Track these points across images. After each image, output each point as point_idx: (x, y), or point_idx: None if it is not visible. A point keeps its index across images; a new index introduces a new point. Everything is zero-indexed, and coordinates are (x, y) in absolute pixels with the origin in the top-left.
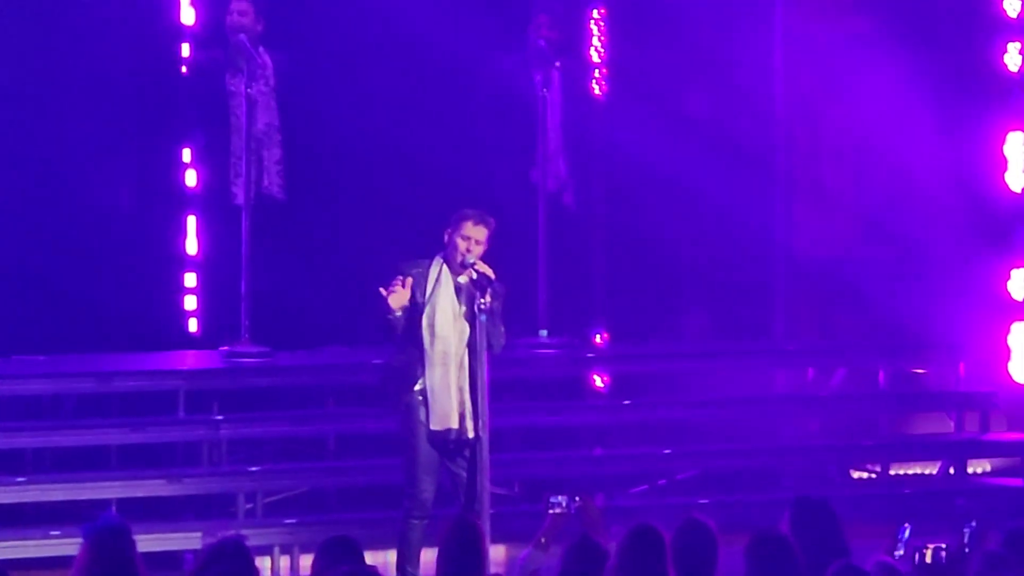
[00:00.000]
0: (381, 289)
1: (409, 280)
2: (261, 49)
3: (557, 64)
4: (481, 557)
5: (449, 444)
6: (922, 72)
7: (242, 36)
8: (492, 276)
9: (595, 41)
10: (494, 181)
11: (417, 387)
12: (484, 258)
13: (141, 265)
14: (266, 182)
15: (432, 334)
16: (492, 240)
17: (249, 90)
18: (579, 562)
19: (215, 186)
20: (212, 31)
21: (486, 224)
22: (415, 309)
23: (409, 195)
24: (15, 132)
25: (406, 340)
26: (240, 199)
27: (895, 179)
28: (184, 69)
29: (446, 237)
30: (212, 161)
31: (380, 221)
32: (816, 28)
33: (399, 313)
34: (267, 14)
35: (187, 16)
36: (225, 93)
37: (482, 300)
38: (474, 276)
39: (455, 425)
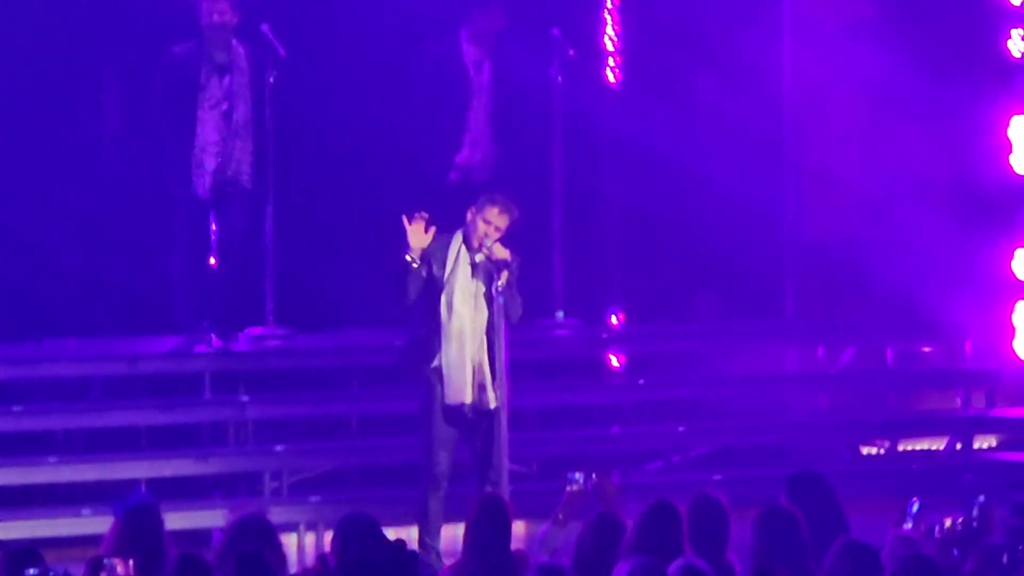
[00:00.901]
0: (404, 217)
1: (432, 230)
2: (235, 41)
3: (571, 52)
4: (508, 534)
5: (465, 418)
6: (927, 58)
7: (265, 27)
8: (508, 259)
9: (608, 31)
10: (509, 165)
11: (434, 363)
12: (502, 240)
13: (170, 250)
14: (231, 172)
15: (450, 310)
16: (511, 228)
17: (271, 80)
18: (598, 537)
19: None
20: (188, 25)
21: (510, 213)
22: (434, 285)
23: (429, 178)
24: (42, 120)
25: (425, 315)
26: (206, 191)
27: (901, 163)
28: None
29: (469, 216)
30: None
31: (401, 203)
32: (822, 16)
33: (416, 259)
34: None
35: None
36: (196, 86)
37: (499, 282)
38: (493, 258)
39: (469, 400)
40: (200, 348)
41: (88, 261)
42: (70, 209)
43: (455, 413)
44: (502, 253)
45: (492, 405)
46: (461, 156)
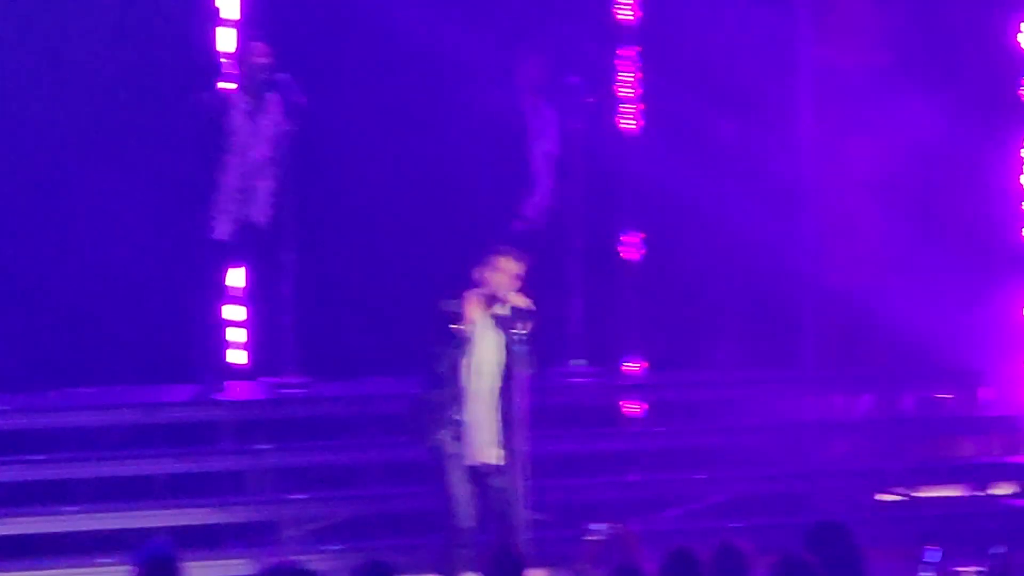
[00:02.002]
0: (467, 293)
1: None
2: (267, 84)
3: (590, 99)
4: None
5: (483, 475)
6: (946, 104)
7: (286, 75)
8: (530, 307)
9: (626, 77)
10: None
11: (451, 426)
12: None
13: (188, 298)
14: (254, 215)
15: (474, 372)
16: (527, 275)
17: (286, 128)
18: None
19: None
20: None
21: (522, 260)
22: (460, 348)
23: (449, 226)
24: (61, 169)
25: (447, 375)
26: (232, 235)
27: (919, 209)
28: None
29: (480, 274)
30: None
31: (421, 251)
32: (841, 62)
33: (468, 328)
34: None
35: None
36: (224, 130)
37: (518, 331)
38: (517, 307)
39: (491, 457)
40: (218, 396)
41: (106, 309)
42: (87, 257)
43: (475, 471)
44: (522, 302)
45: (499, 461)
46: (528, 205)
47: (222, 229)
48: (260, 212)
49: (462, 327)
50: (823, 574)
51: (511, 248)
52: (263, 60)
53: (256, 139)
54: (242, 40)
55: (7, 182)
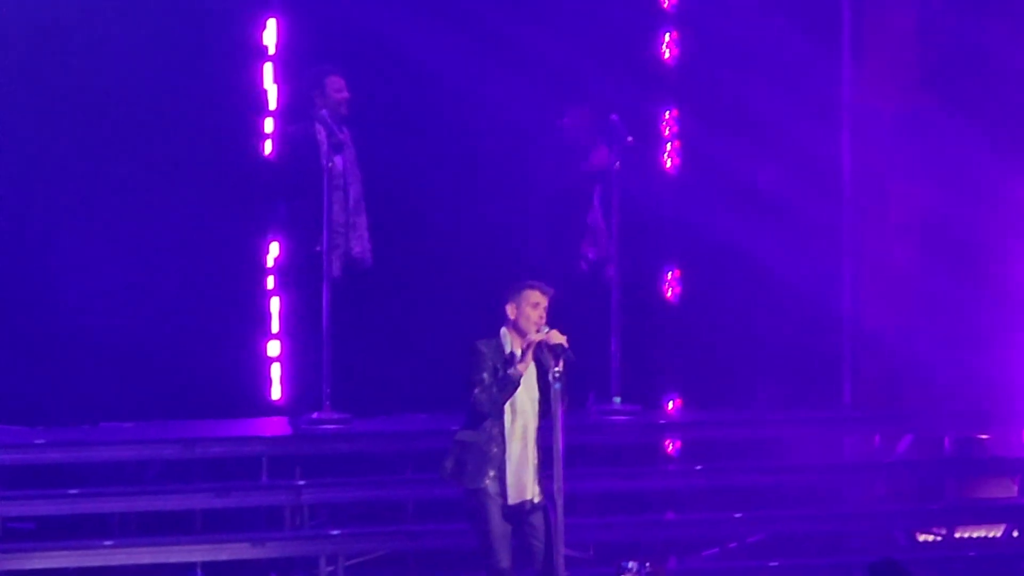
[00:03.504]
0: (533, 337)
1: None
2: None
3: (629, 139)
4: None
5: (522, 513)
6: (986, 146)
7: (324, 111)
8: (565, 344)
9: (665, 117)
10: (565, 253)
11: (492, 471)
12: (550, 325)
13: (226, 334)
14: (358, 249)
15: (513, 411)
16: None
17: (330, 164)
18: None
19: (299, 256)
20: (298, 107)
21: (548, 292)
22: (511, 391)
23: (482, 265)
24: (100, 204)
25: (486, 417)
26: (337, 270)
27: (959, 251)
28: (269, 144)
29: (511, 311)
30: (296, 231)
31: (457, 290)
32: (882, 105)
33: (523, 370)
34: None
35: (271, 93)
36: (320, 168)
37: (556, 368)
38: (550, 343)
39: (530, 496)
40: (257, 432)
41: (146, 346)
42: (128, 292)
43: (515, 510)
44: (558, 338)
45: (538, 499)
46: (588, 249)
47: (337, 265)
48: (367, 250)
49: (518, 370)
50: None
51: (538, 282)
52: (342, 94)
53: (345, 174)
54: (317, 74)
55: (46, 219)
